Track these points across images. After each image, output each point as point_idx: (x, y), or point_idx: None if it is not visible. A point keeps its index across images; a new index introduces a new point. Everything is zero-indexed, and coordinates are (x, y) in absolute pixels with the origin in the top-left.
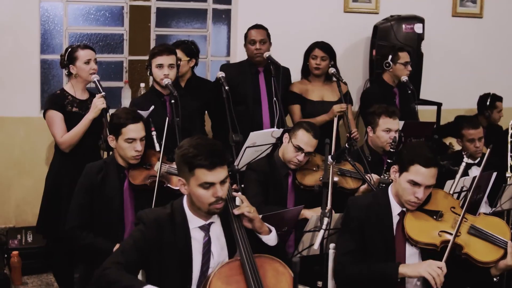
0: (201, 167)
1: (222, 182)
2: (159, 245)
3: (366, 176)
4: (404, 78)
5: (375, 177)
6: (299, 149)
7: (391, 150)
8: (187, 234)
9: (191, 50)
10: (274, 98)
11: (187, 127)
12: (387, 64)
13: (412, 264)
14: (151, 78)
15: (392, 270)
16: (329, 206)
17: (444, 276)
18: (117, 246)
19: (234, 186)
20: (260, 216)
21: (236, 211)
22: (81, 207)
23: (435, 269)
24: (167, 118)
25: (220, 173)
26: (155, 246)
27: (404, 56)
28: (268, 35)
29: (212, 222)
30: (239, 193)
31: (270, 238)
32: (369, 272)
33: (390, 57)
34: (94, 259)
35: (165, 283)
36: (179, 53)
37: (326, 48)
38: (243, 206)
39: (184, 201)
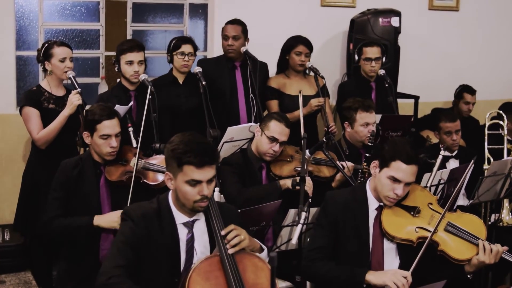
0: (190, 164)
1: (209, 181)
2: (148, 240)
3: (340, 163)
4: (381, 71)
5: (349, 164)
6: (273, 139)
7: (369, 143)
8: (174, 230)
9: (196, 46)
10: (251, 94)
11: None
12: (356, 60)
13: (379, 272)
14: None
15: (359, 276)
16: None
17: (419, 271)
18: (95, 218)
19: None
20: (240, 210)
21: (230, 250)
22: (58, 201)
23: (400, 279)
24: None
25: (208, 172)
26: (145, 241)
27: (367, 51)
28: (244, 31)
29: (196, 219)
30: (217, 188)
31: (262, 256)
32: (336, 274)
33: (356, 52)
34: (74, 254)
35: (154, 277)
36: (191, 48)
37: (308, 44)
38: (231, 236)
39: (169, 196)
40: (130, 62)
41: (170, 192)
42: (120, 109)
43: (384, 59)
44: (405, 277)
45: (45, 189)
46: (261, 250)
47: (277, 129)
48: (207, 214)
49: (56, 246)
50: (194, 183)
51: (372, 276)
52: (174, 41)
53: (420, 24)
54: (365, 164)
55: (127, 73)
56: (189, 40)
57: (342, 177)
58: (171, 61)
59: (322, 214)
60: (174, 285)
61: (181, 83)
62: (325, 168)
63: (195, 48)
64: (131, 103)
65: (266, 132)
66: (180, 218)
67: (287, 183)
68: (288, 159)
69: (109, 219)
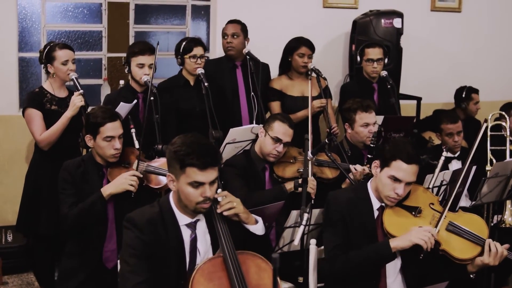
0: (193, 166)
1: (212, 183)
2: (156, 245)
3: (353, 167)
4: (384, 72)
5: (360, 167)
6: (277, 140)
7: (372, 145)
8: (178, 232)
9: (205, 46)
10: (252, 93)
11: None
12: (358, 61)
13: (401, 236)
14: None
15: (384, 247)
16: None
17: (421, 271)
18: (103, 189)
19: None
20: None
21: (219, 209)
22: (71, 197)
23: (425, 234)
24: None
25: (211, 173)
26: (153, 247)
27: (369, 52)
28: (243, 30)
29: (198, 220)
30: (219, 190)
31: (258, 228)
32: (363, 256)
33: (358, 53)
34: (76, 254)
35: (161, 280)
36: (202, 50)
37: (311, 46)
38: (224, 202)
39: (170, 199)
40: (141, 65)
41: (171, 194)
42: (125, 107)
43: (386, 60)
44: (429, 232)
45: (48, 190)
46: (256, 222)
47: (281, 129)
48: (209, 214)
49: (58, 246)
50: (196, 185)
51: (397, 242)
52: (184, 44)
53: (422, 25)
54: (368, 165)
55: (137, 75)
56: (199, 42)
57: (347, 183)
58: (181, 63)
59: (328, 215)
60: (181, 287)
61: (192, 84)
62: (327, 170)
63: (205, 49)
64: (135, 100)
65: (270, 133)
66: (183, 219)
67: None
68: (291, 161)
69: (118, 184)
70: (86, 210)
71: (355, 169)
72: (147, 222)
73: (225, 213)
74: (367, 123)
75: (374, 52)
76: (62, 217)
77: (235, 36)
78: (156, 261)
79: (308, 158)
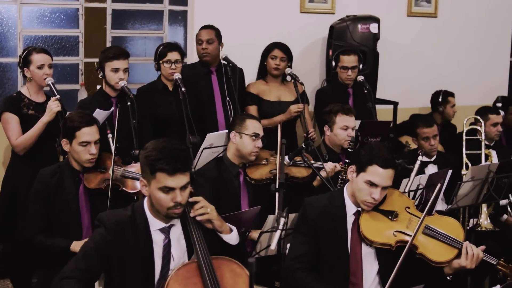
0: (162, 171)
1: (183, 188)
2: (120, 247)
3: (321, 164)
4: (360, 77)
5: (330, 165)
6: (256, 135)
7: (349, 149)
8: (148, 236)
9: (183, 51)
10: (228, 98)
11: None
12: (334, 66)
13: None
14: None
15: None
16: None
17: (399, 275)
18: (74, 243)
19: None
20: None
21: (192, 213)
22: (39, 213)
23: None
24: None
25: (181, 179)
26: (117, 248)
27: (344, 60)
28: (218, 35)
29: (172, 225)
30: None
31: (231, 238)
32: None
33: (334, 58)
34: (54, 262)
35: (128, 285)
36: (177, 55)
37: (285, 49)
38: (197, 207)
39: (144, 203)
40: (116, 70)
41: (146, 199)
42: (101, 113)
43: (361, 66)
44: None
45: (25, 197)
46: (230, 231)
47: (255, 125)
48: (184, 219)
49: (36, 254)
50: (167, 190)
51: None
52: (160, 49)
53: (399, 30)
54: (341, 163)
55: (112, 80)
56: (175, 47)
57: (324, 175)
58: (158, 68)
59: (301, 221)
60: None
61: (171, 90)
62: (300, 169)
63: (182, 54)
64: (112, 108)
65: (246, 132)
66: (156, 224)
67: (254, 236)
68: (263, 162)
69: None
70: (51, 250)
71: (329, 168)
72: (115, 223)
73: (198, 218)
74: (347, 126)
75: (349, 60)
76: (26, 236)
77: (209, 42)
78: (119, 263)
79: (285, 163)
